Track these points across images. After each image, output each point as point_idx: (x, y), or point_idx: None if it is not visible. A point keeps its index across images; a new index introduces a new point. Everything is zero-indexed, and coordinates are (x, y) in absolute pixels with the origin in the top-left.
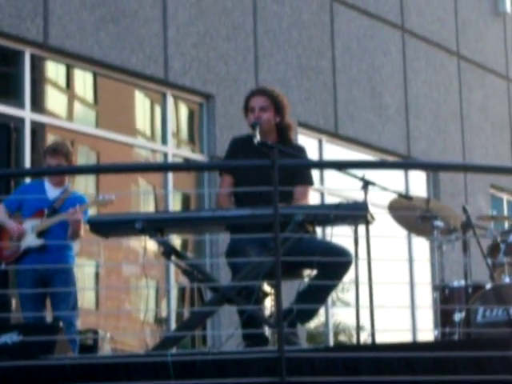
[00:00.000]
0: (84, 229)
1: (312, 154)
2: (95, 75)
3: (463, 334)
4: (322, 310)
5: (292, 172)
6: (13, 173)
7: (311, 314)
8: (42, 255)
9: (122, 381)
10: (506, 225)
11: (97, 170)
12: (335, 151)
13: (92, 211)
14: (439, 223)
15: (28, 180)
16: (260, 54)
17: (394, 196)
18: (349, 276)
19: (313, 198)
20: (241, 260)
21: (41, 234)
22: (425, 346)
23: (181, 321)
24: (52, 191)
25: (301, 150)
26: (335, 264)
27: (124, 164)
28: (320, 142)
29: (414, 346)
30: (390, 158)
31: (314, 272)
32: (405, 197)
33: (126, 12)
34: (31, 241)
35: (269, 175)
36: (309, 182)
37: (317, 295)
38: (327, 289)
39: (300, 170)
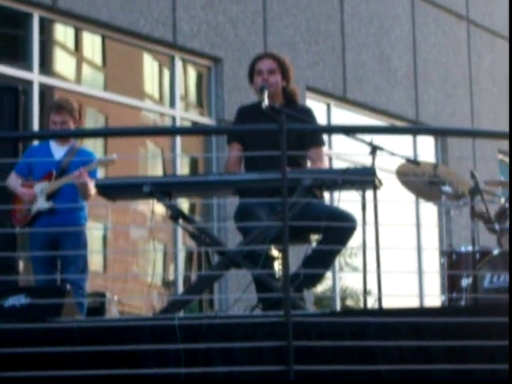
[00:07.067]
0: (94, 188)
1: (320, 119)
2: (104, 38)
3: (470, 299)
4: (329, 275)
5: (301, 135)
6: (21, 136)
7: (317, 278)
8: (52, 217)
9: (128, 344)
10: None
11: (106, 133)
12: (343, 115)
13: (99, 173)
14: (447, 188)
15: (35, 143)
16: (269, 17)
17: (401, 161)
18: (356, 241)
19: (326, 159)
20: (251, 223)
21: (50, 197)
22: (432, 312)
23: (188, 284)
24: (58, 151)
25: (307, 112)
26: (339, 229)
27: (132, 128)
28: (328, 106)
29: (421, 311)
30: (399, 123)
31: (319, 237)
32: (413, 162)
33: None
34: (41, 204)
35: (277, 140)
36: (322, 142)
37: (322, 260)
38: (332, 254)
39: (310, 133)
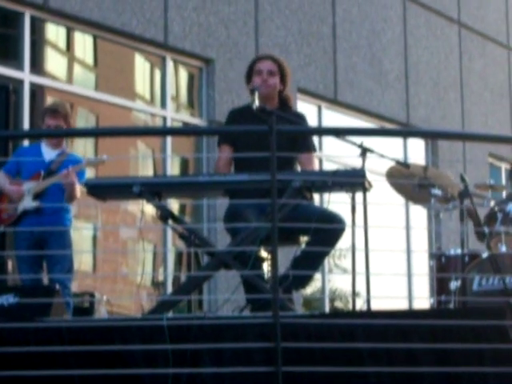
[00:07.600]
0: (80, 190)
1: (311, 121)
2: (95, 38)
3: (459, 302)
4: (318, 276)
5: (293, 139)
6: (11, 135)
7: (305, 280)
8: (38, 217)
9: (117, 344)
10: (504, 194)
11: (96, 133)
12: (334, 118)
13: (89, 173)
14: (437, 191)
15: (26, 143)
16: (260, 18)
17: (391, 163)
18: (346, 243)
19: (317, 164)
20: (239, 225)
21: (37, 196)
22: (420, 314)
23: (177, 285)
24: (48, 153)
25: (301, 117)
26: (328, 231)
27: (123, 127)
28: (319, 108)
29: (410, 313)
30: (389, 125)
31: (308, 238)
32: (403, 164)
33: None
34: (27, 203)
35: (268, 143)
36: (313, 148)
37: (310, 261)
38: (320, 255)
39: (302, 138)
